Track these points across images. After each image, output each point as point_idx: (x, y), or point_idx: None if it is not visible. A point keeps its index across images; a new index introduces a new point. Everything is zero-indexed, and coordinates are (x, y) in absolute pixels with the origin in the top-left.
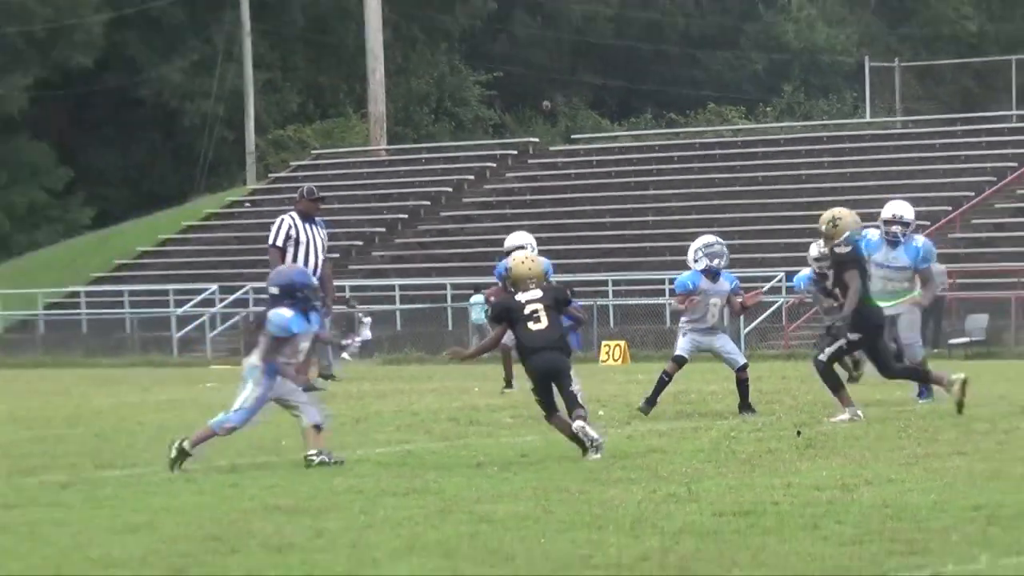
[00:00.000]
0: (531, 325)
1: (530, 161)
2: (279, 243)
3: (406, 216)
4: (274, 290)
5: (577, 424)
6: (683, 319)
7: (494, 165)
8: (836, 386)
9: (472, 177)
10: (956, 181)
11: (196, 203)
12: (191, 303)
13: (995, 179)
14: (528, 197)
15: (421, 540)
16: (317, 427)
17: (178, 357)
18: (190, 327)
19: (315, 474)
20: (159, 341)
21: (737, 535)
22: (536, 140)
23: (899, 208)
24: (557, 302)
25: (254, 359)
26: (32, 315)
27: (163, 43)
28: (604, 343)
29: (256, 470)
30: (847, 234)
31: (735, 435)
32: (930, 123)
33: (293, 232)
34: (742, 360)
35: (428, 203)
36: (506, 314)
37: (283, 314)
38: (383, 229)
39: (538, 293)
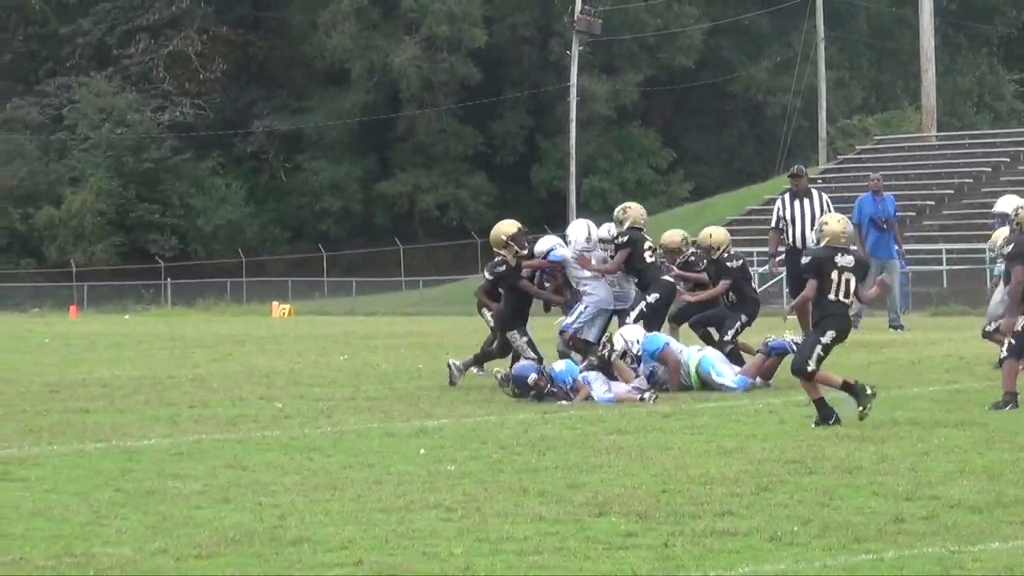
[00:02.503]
0: None
1: None
2: (773, 223)
3: (952, 192)
4: None
5: None
6: None
7: None
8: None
9: (1008, 159)
10: None
11: (776, 180)
12: (766, 265)
13: None
14: None
15: (969, 465)
16: None
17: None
18: (769, 283)
19: (877, 408)
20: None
21: None
22: None
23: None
24: None
25: None
26: None
27: (751, 47)
28: None
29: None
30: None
31: None
32: None
33: (782, 212)
34: None
35: (971, 181)
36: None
37: None
38: (932, 202)
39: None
